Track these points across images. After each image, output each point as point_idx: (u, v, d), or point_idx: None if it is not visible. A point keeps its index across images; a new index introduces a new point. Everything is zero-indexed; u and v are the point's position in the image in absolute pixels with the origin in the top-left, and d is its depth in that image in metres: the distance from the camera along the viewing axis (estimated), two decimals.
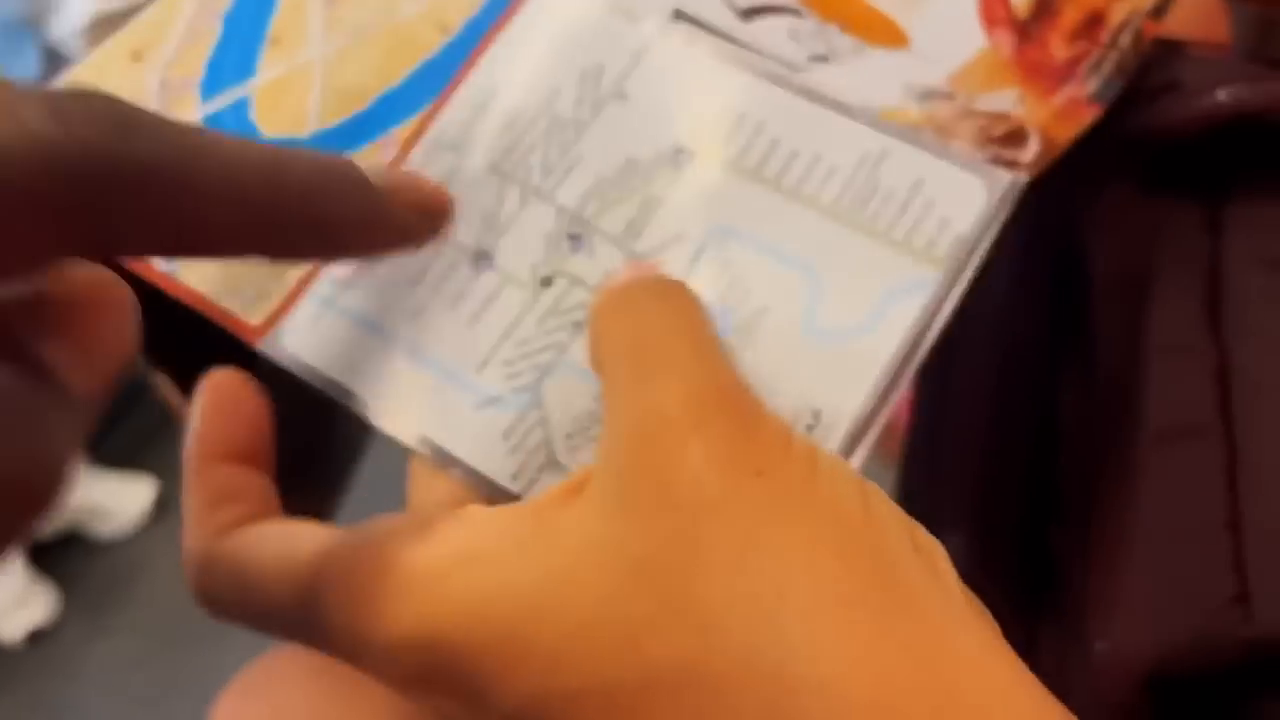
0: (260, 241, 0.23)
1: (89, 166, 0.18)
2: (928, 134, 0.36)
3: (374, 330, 0.37)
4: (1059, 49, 0.39)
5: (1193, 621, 0.36)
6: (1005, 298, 0.49)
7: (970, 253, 0.35)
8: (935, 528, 0.26)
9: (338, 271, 0.38)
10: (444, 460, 0.34)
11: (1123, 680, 0.36)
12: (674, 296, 0.29)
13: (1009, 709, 0.22)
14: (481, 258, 0.37)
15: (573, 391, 0.35)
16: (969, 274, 0.35)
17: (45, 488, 0.19)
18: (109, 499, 2.24)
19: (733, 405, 0.26)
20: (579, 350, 0.35)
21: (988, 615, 0.24)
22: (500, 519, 0.27)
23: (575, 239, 0.36)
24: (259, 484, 0.31)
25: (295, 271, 0.38)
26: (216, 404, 0.31)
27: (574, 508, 0.26)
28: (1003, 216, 0.35)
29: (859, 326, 0.34)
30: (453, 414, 0.35)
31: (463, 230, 0.37)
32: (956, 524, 0.27)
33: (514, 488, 0.34)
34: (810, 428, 0.33)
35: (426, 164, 0.38)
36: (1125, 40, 0.39)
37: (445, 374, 0.36)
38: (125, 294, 0.22)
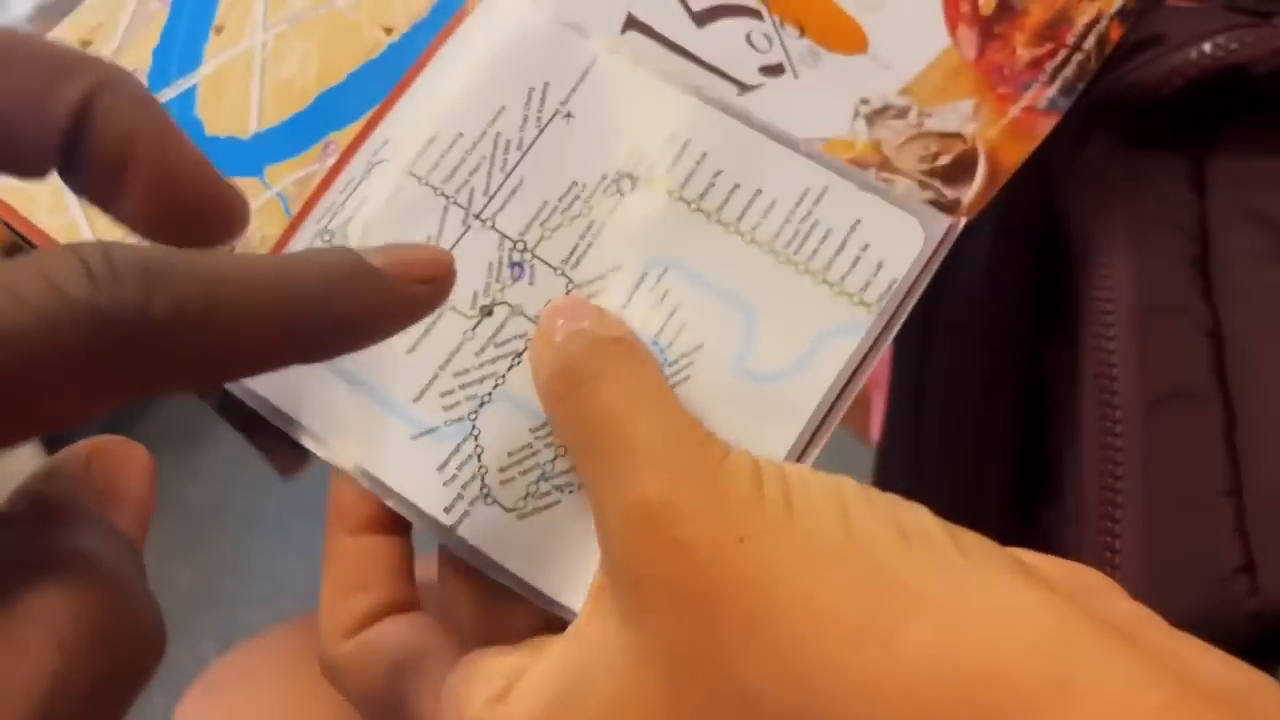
0: (286, 353, 0.23)
1: (123, 320, 0.19)
2: (870, 173, 0.36)
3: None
4: (1023, 49, 0.39)
5: (1196, 594, 0.35)
6: (986, 271, 0.48)
7: (904, 297, 0.35)
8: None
9: None
10: (380, 491, 0.35)
11: None
12: (621, 362, 0.30)
13: (1043, 662, 0.22)
14: None
15: (509, 423, 0.35)
16: (901, 318, 0.35)
17: (162, 640, 0.20)
18: None
19: (705, 475, 0.27)
20: (517, 380, 0.35)
21: (988, 549, 0.25)
22: (550, 660, 0.29)
23: (517, 266, 0.37)
24: (392, 557, 0.34)
25: None
26: None
27: (600, 625, 0.27)
28: (939, 262, 0.35)
29: (790, 368, 0.35)
30: (390, 444, 0.35)
31: None
32: (943, 504, 0.28)
33: (446, 520, 0.34)
34: None
35: (367, 177, 0.38)
36: (1090, 43, 0.39)
37: (383, 403, 0.36)
38: (141, 450, 0.23)
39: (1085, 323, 0.42)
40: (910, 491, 0.27)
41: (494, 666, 0.30)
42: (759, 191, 0.36)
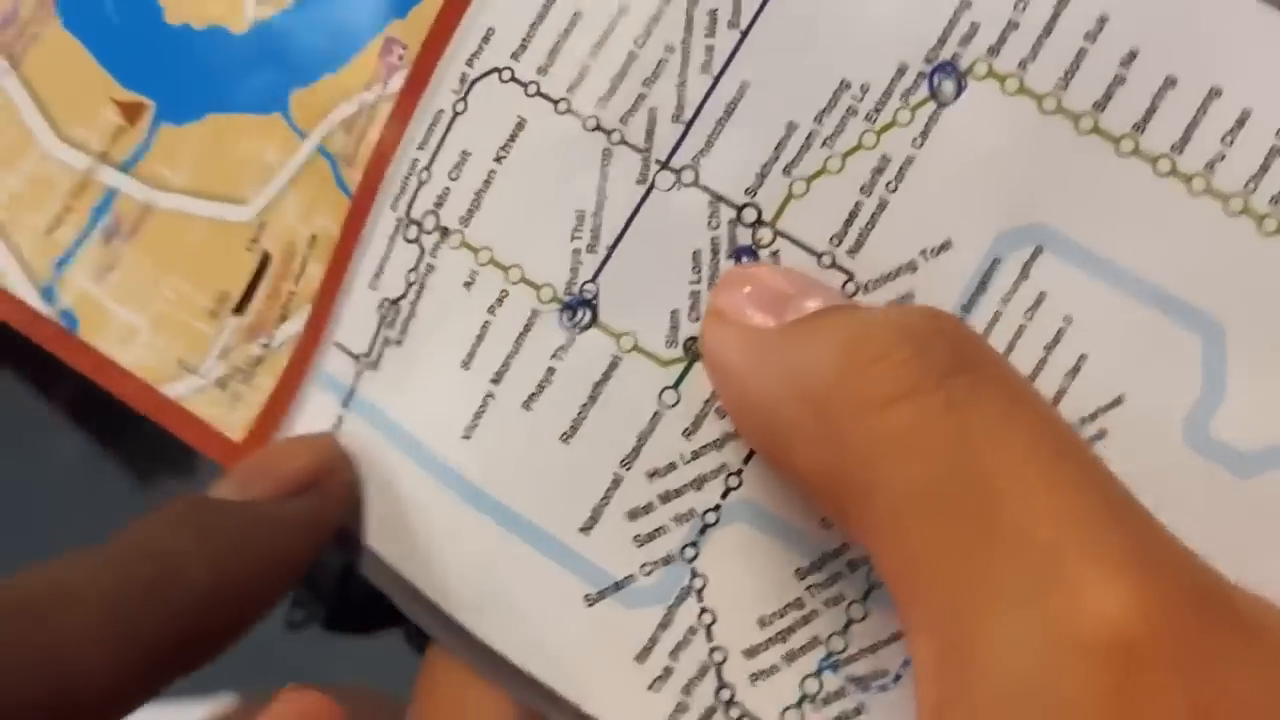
0: None
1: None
2: None
3: (417, 454, 0.23)
4: None
5: None
6: None
7: None
8: None
9: (348, 335, 0.24)
10: (543, 703, 0.22)
11: None
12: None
13: None
14: (575, 307, 0.22)
15: (757, 561, 0.22)
16: None
17: None
18: None
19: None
20: (765, 477, 0.21)
21: None
22: None
23: (746, 255, 0.22)
24: None
25: (285, 327, 0.24)
26: None
27: None
28: None
29: None
30: (548, 614, 0.22)
31: (536, 258, 0.23)
32: None
33: None
34: None
35: (461, 107, 0.23)
36: None
37: (532, 539, 0.22)
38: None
39: None
40: None
41: None
42: (1215, 93, 0.20)
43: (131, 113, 0.25)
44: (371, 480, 0.23)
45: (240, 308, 0.24)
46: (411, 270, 0.23)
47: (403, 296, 0.23)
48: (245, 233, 0.24)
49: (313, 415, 0.24)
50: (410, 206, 0.23)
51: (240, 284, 0.24)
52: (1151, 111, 0.20)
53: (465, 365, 0.23)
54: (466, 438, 0.22)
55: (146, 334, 0.25)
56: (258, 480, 0.23)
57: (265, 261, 0.24)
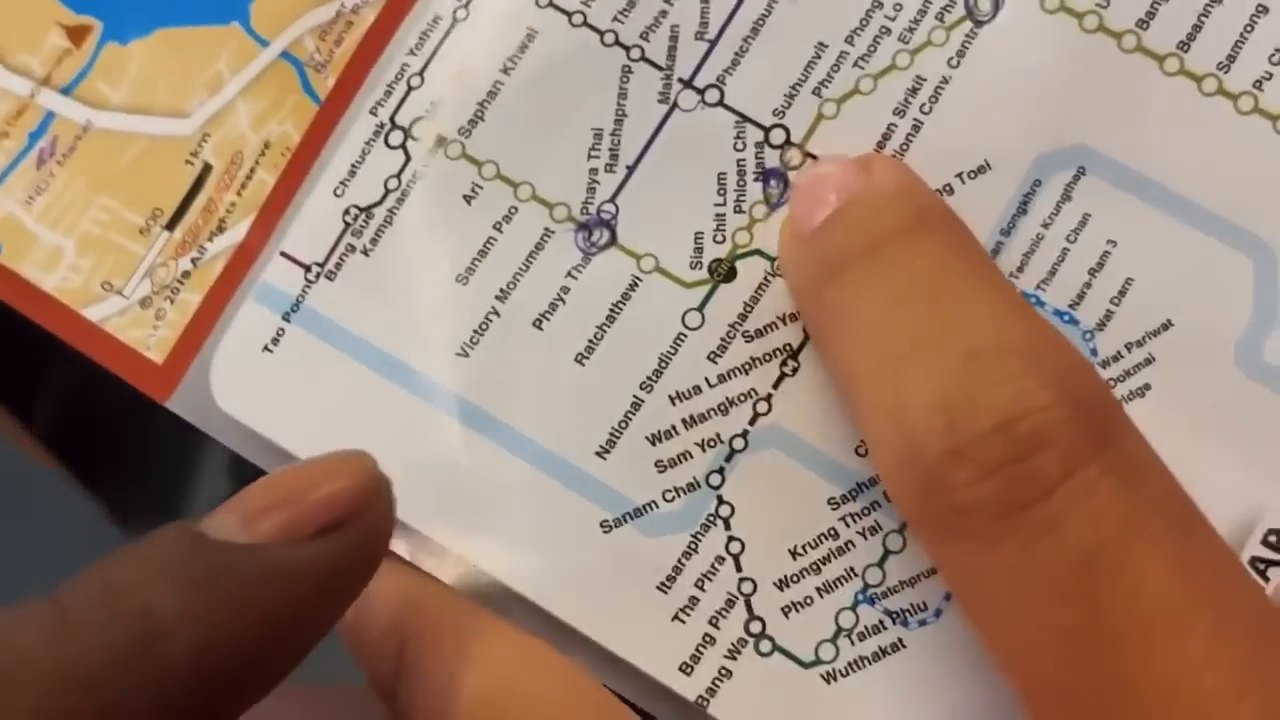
0: None
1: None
2: None
3: (387, 369, 0.21)
4: None
5: None
6: None
7: None
8: None
9: (299, 244, 0.22)
10: (555, 637, 0.20)
11: None
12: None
13: None
14: (591, 226, 0.21)
15: (787, 489, 0.20)
16: None
17: None
18: None
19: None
20: (795, 401, 0.21)
21: None
22: None
23: (773, 178, 0.21)
24: None
25: (220, 240, 0.22)
26: None
27: None
28: None
29: None
30: (564, 541, 0.21)
31: (549, 175, 0.22)
32: None
33: (685, 689, 0.20)
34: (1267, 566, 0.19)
35: (462, 13, 0.22)
36: None
37: (543, 464, 0.21)
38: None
39: None
40: None
41: None
42: (1261, 10, 0.21)
43: (78, 35, 0.23)
44: (315, 398, 0.21)
45: (173, 223, 0.22)
46: (393, 177, 0.21)
47: (378, 204, 0.22)
48: (185, 146, 0.22)
49: (244, 330, 0.21)
50: (396, 111, 0.22)
51: (176, 198, 0.22)
52: (1197, 30, 0.20)
53: (463, 280, 0.21)
54: (463, 355, 0.21)
55: (71, 256, 0.22)
56: (270, 512, 0.18)
57: (204, 173, 0.22)
